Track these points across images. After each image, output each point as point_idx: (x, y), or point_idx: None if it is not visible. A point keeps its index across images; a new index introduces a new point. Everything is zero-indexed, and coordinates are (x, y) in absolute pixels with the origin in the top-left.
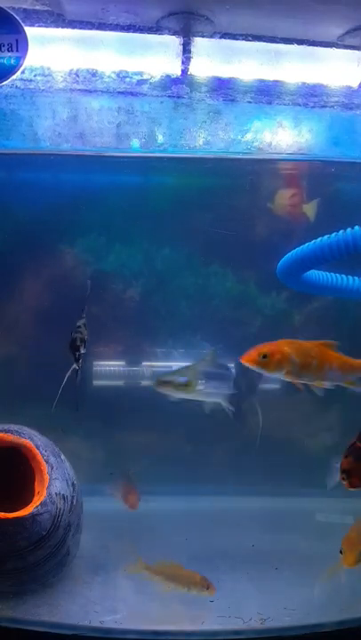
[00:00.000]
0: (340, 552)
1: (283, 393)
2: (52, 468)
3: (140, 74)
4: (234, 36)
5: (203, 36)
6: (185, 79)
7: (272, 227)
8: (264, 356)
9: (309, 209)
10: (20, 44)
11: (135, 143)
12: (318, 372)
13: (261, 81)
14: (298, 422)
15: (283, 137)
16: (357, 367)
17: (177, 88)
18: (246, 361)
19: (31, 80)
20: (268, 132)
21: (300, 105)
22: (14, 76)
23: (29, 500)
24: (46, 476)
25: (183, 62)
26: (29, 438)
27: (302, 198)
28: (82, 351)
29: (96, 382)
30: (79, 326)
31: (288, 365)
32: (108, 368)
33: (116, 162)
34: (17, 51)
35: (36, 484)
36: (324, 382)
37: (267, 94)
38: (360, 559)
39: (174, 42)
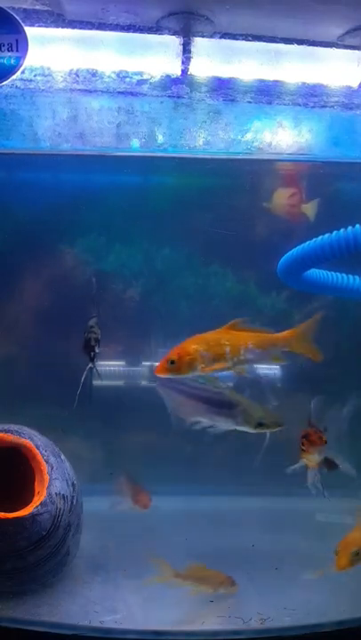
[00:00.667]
0: (335, 553)
1: (282, 393)
2: (52, 468)
3: (140, 74)
4: (234, 36)
5: (203, 36)
6: (185, 79)
7: (272, 227)
8: (172, 362)
9: (309, 209)
10: (20, 44)
11: (135, 143)
12: (236, 357)
13: (261, 81)
14: (298, 422)
15: (283, 137)
16: (277, 339)
17: (177, 88)
18: (158, 373)
19: (31, 80)
20: (268, 132)
21: (300, 105)
22: (14, 76)
23: (29, 500)
24: (46, 476)
25: (183, 62)
26: (29, 438)
27: (301, 198)
28: (96, 351)
29: (96, 382)
30: (92, 326)
31: (201, 362)
32: (108, 368)
33: (116, 162)
34: (17, 51)
35: (36, 484)
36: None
37: (267, 94)
38: (354, 561)
39: (174, 42)
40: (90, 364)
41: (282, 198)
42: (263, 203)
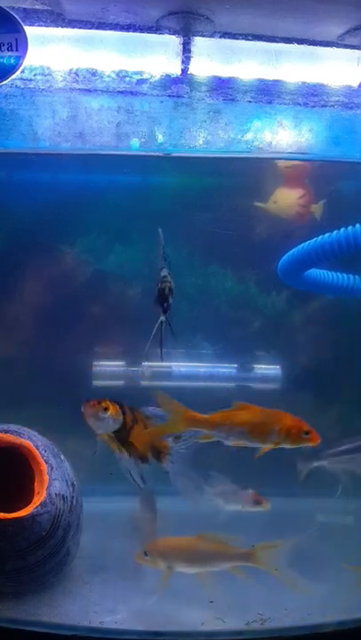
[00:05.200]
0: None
1: (282, 392)
2: (52, 469)
3: (140, 73)
4: (234, 36)
5: (203, 36)
6: (185, 79)
7: (272, 226)
8: None
9: (317, 209)
10: (19, 44)
11: (135, 143)
12: None
13: (261, 80)
14: None
15: (283, 136)
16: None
17: (177, 88)
18: None
19: (31, 80)
20: (269, 132)
21: (300, 104)
22: (14, 76)
23: (29, 501)
24: (46, 477)
25: (183, 62)
26: (29, 438)
27: (311, 198)
28: (170, 301)
29: (96, 382)
30: (165, 276)
31: None
32: (108, 368)
33: (116, 161)
34: (17, 50)
35: (35, 484)
36: None
37: (267, 94)
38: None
39: (174, 41)
40: (162, 317)
41: (291, 199)
42: (263, 203)
